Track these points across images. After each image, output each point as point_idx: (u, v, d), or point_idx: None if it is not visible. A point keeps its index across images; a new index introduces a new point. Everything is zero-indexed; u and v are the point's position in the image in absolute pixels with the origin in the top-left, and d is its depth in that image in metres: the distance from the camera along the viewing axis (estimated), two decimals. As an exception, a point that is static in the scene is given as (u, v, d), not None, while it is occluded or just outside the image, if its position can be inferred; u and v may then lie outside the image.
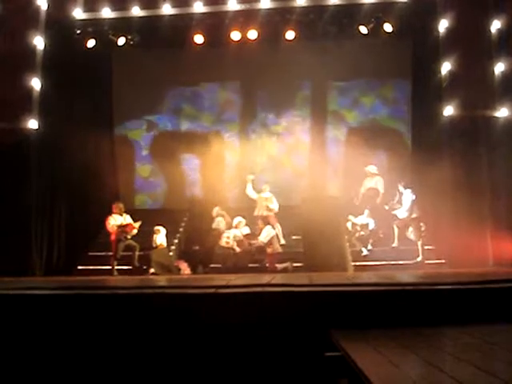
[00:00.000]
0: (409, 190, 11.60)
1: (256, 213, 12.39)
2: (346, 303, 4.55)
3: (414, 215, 11.43)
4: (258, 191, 12.79)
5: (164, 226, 12.03)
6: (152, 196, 15.16)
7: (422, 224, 11.54)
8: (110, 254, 11.55)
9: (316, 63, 13.47)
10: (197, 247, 12.50)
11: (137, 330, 4.64)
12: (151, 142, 15.22)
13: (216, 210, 12.37)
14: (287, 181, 14.42)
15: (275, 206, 12.48)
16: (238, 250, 11.57)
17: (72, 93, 12.67)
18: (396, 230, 11.66)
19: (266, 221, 11.88)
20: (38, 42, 11.66)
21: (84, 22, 12.71)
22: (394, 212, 11.78)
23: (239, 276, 9.78)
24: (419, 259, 11.10)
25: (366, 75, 14.40)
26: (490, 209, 10.66)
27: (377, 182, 12.49)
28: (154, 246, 11.73)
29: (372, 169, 12.64)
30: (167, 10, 12.41)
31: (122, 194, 14.33)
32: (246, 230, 11.98)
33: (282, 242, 12.27)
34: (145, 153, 15.24)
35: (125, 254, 11.55)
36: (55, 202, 12.31)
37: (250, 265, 11.60)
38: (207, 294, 4.81)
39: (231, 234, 11.75)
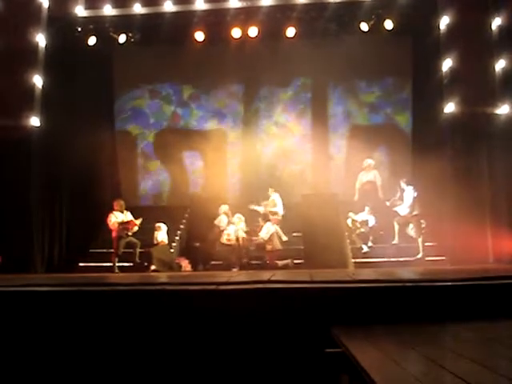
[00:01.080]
0: (411, 187, 11.61)
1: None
2: (347, 300, 4.56)
3: (415, 212, 11.43)
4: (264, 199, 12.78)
5: (165, 223, 12.04)
6: None
7: (422, 221, 11.54)
8: (111, 251, 11.55)
9: (316, 60, 13.48)
10: (197, 244, 12.51)
11: (138, 327, 4.66)
12: (153, 138, 15.25)
13: (223, 208, 12.35)
14: (288, 178, 14.43)
15: (279, 209, 12.47)
16: (238, 246, 11.60)
17: (73, 90, 12.67)
18: (396, 227, 11.66)
19: (267, 218, 11.89)
20: (40, 39, 11.67)
21: (85, 20, 12.70)
22: (395, 209, 11.78)
23: (240, 273, 9.81)
24: (419, 256, 11.11)
25: (366, 72, 14.40)
26: (491, 205, 10.68)
27: (375, 176, 12.50)
28: (155, 242, 11.74)
29: (368, 162, 12.61)
30: (168, 7, 12.40)
31: (123, 190, 14.36)
32: (245, 227, 12.00)
33: (284, 238, 12.28)
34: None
35: (126, 250, 11.54)
36: (56, 199, 12.33)
37: (251, 261, 11.63)
38: (208, 290, 4.83)
39: (232, 230, 11.78)
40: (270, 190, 12.81)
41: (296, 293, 4.69)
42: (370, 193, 12.30)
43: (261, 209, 12.45)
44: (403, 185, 11.75)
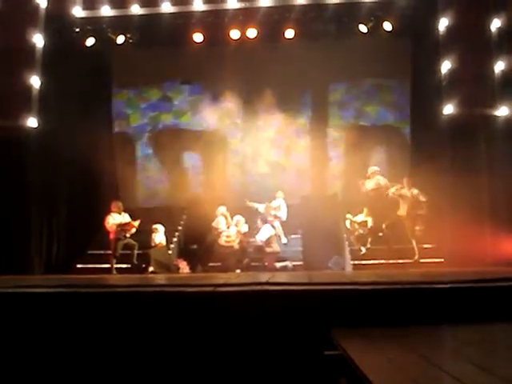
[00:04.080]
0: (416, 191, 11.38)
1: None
2: (345, 302, 4.54)
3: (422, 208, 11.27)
4: (269, 200, 12.69)
5: (163, 225, 12.03)
6: None
7: (419, 223, 11.44)
8: (109, 252, 11.56)
9: (315, 61, 13.49)
10: (195, 246, 12.50)
11: (135, 329, 4.64)
12: (152, 139, 15.26)
13: (220, 210, 12.32)
14: (287, 180, 14.43)
15: (283, 215, 12.42)
16: (236, 248, 11.59)
17: (71, 91, 12.64)
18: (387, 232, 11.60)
19: (266, 220, 11.87)
20: (38, 39, 11.65)
21: (83, 20, 12.71)
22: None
23: (238, 274, 9.80)
24: (416, 258, 11.05)
25: (365, 74, 14.40)
26: (489, 208, 10.66)
27: (379, 181, 12.26)
28: (153, 244, 11.73)
29: (372, 170, 12.37)
30: (166, 8, 12.41)
31: (121, 192, 14.34)
32: (245, 229, 11.98)
33: (284, 241, 12.25)
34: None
35: (124, 252, 11.54)
36: (54, 200, 12.29)
37: (251, 263, 11.61)
38: (206, 292, 4.81)
39: (231, 232, 11.76)
40: (279, 192, 12.72)
41: (295, 295, 4.67)
42: (375, 200, 12.07)
43: (260, 207, 12.40)
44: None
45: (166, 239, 12.05)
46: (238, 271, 11.14)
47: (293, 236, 12.73)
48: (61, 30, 12.38)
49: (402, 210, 11.26)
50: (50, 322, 4.74)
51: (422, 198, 11.09)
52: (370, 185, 12.14)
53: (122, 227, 11.55)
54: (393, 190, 11.47)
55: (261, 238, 11.49)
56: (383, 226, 11.54)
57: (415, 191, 11.18)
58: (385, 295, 4.60)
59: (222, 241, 11.75)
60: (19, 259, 10.79)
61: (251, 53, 13.58)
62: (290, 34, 12.91)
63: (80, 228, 12.79)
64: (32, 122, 11.42)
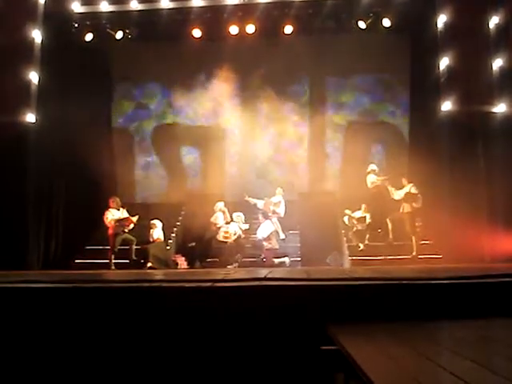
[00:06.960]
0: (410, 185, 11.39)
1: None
2: (343, 297, 4.55)
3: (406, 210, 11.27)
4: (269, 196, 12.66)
5: (161, 220, 12.02)
6: None
7: (417, 219, 11.46)
8: (108, 247, 11.54)
9: (314, 58, 13.48)
10: (193, 244, 12.49)
11: (133, 324, 4.64)
12: (151, 135, 15.26)
13: (218, 206, 12.31)
14: (285, 176, 14.43)
15: (281, 211, 12.40)
16: (235, 244, 11.59)
17: (70, 87, 12.63)
18: (390, 225, 11.54)
19: (267, 216, 11.86)
20: (36, 35, 11.63)
21: (82, 16, 12.70)
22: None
23: (236, 270, 9.80)
24: (414, 254, 11.05)
25: (364, 70, 14.39)
26: (487, 204, 10.68)
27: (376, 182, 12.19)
28: (152, 240, 11.73)
29: (371, 168, 12.31)
30: (165, 3, 12.40)
31: (119, 187, 14.33)
32: (245, 226, 11.99)
33: (282, 236, 12.24)
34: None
35: (122, 247, 11.54)
36: (52, 195, 12.30)
37: (247, 259, 11.62)
38: (204, 287, 4.81)
39: (230, 228, 11.76)
40: (278, 189, 12.69)
41: (292, 290, 4.68)
42: (377, 197, 12.02)
43: (259, 203, 12.38)
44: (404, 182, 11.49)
45: (164, 235, 12.05)
46: (236, 266, 11.16)
47: (291, 232, 12.72)
48: (59, 26, 12.37)
49: (403, 208, 11.29)
50: (49, 316, 4.74)
51: (414, 191, 11.10)
52: (368, 183, 12.11)
53: (121, 222, 11.55)
54: (396, 194, 11.44)
55: (262, 234, 11.48)
56: (387, 219, 11.50)
57: (408, 186, 11.21)
58: (383, 291, 4.61)
59: (221, 236, 11.76)
60: (18, 255, 10.80)
61: (250, 48, 13.56)
62: (288, 29, 12.92)
63: (78, 223, 12.78)
64: (30, 118, 11.42)
